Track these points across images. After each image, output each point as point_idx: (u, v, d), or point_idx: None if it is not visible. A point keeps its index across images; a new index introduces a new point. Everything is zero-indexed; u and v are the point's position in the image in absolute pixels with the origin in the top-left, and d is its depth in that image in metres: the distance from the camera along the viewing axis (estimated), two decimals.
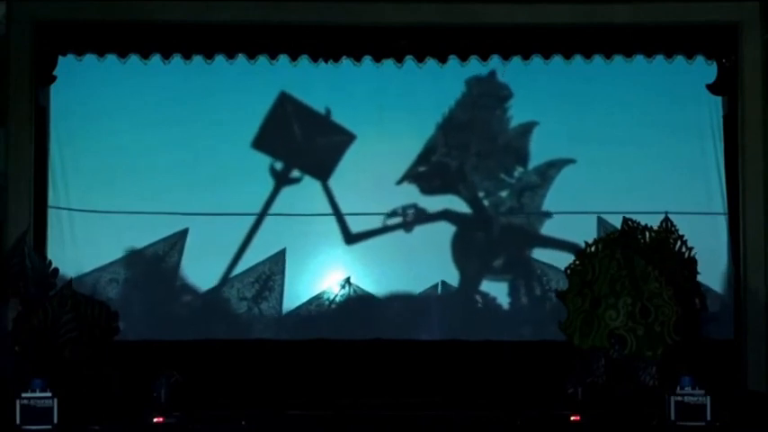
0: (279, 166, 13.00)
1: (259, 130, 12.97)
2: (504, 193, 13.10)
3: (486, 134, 13.15)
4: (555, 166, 13.04)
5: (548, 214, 13.06)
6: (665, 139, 12.95)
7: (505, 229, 13.07)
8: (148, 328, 12.65)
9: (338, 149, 13.00)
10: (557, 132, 13.04)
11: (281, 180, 12.99)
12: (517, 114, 13.09)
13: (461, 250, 12.97)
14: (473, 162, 13.09)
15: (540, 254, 13.05)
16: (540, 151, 13.06)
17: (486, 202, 13.09)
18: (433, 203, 13.05)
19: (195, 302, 12.92)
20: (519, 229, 13.08)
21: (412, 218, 13.02)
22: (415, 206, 13.02)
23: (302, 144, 13.03)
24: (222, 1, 12.66)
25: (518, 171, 13.10)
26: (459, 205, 13.07)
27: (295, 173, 13.03)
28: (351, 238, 12.97)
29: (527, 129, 13.08)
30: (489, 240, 13.08)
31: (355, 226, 12.97)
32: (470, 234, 13.03)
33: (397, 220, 13.01)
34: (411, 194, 13.02)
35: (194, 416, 10.75)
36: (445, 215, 13.05)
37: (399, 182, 12.97)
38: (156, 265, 12.90)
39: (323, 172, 13.00)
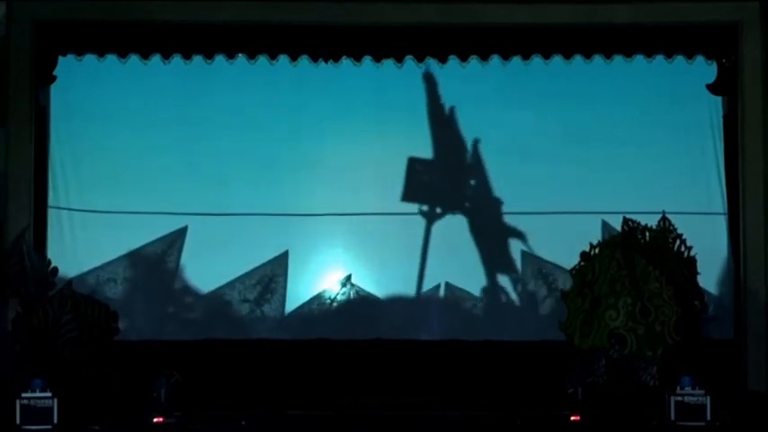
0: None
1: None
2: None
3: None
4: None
5: (548, 214, 13.06)
6: (665, 139, 12.95)
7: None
8: (149, 328, 12.66)
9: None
10: (556, 132, 13.03)
11: None
12: (517, 114, 13.08)
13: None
14: (473, 162, 13.09)
15: (540, 253, 13.04)
16: (539, 151, 13.04)
17: (486, 202, 13.08)
18: (433, 204, 13.04)
19: (195, 302, 12.92)
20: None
21: (412, 218, 13.01)
22: (414, 206, 13.02)
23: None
24: (222, 1, 12.66)
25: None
26: (458, 205, 13.07)
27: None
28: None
29: (525, 128, 13.08)
30: (490, 240, 13.07)
31: (355, 226, 12.97)
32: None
33: (397, 219, 13.01)
34: (409, 194, 13.01)
35: (194, 416, 10.74)
36: (445, 215, 13.04)
37: (399, 182, 12.97)
38: (156, 264, 12.90)
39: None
